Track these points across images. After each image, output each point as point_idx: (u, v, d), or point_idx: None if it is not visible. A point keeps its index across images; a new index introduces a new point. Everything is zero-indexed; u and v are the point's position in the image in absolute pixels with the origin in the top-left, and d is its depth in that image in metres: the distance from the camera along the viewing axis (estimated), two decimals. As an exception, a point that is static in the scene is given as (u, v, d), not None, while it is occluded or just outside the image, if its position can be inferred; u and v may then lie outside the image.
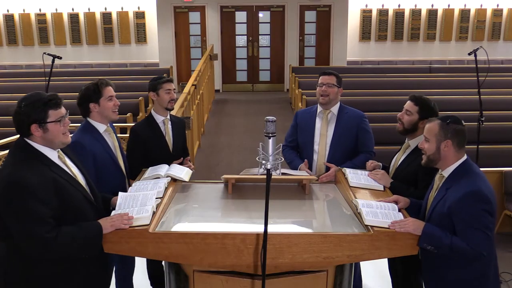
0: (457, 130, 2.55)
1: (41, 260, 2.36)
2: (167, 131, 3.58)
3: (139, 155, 3.45)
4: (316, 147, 3.58)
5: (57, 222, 2.32)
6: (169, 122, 3.60)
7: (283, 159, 2.84)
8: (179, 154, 3.56)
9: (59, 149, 2.48)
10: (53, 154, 2.43)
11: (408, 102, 3.14)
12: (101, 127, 3.12)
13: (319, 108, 3.63)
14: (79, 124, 3.18)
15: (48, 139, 2.38)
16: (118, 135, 3.79)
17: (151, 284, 3.76)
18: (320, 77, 3.59)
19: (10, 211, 2.27)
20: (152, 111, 3.60)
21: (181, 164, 3.44)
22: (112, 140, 3.18)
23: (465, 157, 2.59)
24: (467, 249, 2.42)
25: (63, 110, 2.42)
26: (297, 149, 3.70)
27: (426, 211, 2.71)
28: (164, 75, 3.76)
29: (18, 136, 2.45)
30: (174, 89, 3.59)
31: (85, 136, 3.04)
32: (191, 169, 3.45)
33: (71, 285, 2.48)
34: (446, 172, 2.60)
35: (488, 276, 2.57)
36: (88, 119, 3.12)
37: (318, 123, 3.61)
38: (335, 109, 3.60)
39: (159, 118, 3.56)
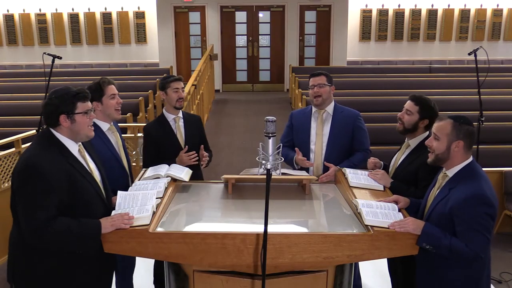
0: (469, 131, 2.53)
1: (46, 251, 2.40)
2: (178, 128, 3.60)
3: (153, 154, 3.49)
4: (312, 146, 3.59)
5: (63, 213, 2.36)
6: (180, 120, 3.63)
7: (283, 159, 2.84)
8: (194, 151, 3.55)
9: (81, 144, 2.57)
10: (74, 147, 2.52)
11: (408, 101, 3.13)
12: (105, 126, 3.17)
13: (314, 108, 3.64)
14: None
15: (75, 131, 2.49)
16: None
17: (154, 283, 3.76)
18: (311, 79, 3.61)
19: (20, 192, 2.36)
20: (164, 110, 3.65)
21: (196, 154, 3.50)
22: (115, 139, 3.22)
23: (471, 158, 2.57)
24: (466, 250, 2.42)
25: (89, 104, 2.54)
26: (293, 149, 3.69)
27: (425, 209, 2.71)
28: (164, 75, 3.78)
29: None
30: (183, 88, 3.62)
31: None
32: (205, 158, 3.55)
33: (74, 281, 2.49)
34: (451, 172, 2.58)
35: (482, 277, 2.57)
36: None
37: (314, 123, 3.62)
38: (330, 108, 3.61)
39: (169, 117, 3.60)
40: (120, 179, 3.19)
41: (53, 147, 2.44)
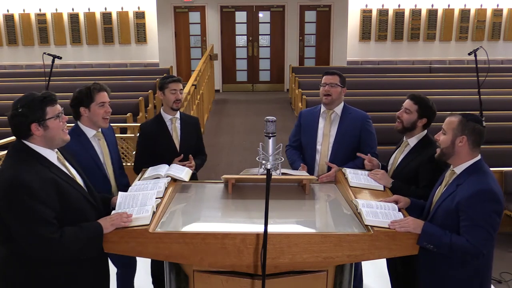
0: (475, 128, 2.55)
1: (43, 263, 2.35)
2: (174, 129, 3.58)
3: (146, 153, 3.47)
4: (318, 147, 3.57)
5: (59, 223, 2.31)
6: (177, 121, 3.60)
7: (283, 159, 2.84)
8: (189, 153, 3.53)
9: (58, 151, 2.47)
10: (52, 155, 2.42)
11: (407, 100, 3.15)
12: (90, 132, 3.08)
13: (323, 108, 3.62)
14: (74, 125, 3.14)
15: (49, 137, 2.37)
16: (118, 135, 3.79)
17: (153, 283, 3.76)
18: (324, 77, 3.57)
19: (13, 213, 2.24)
20: (161, 110, 3.63)
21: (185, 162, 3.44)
22: (100, 147, 3.13)
23: (479, 157, 2.59)
24: (467, 246, 2.42)
25: (59, 106, 2.42)
26: (301, 149, 3.69)
27: (431, 207, 2.70)
28: (164, 74, 3.77)
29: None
30: (181, 89, 3.59)
31: (70, 139, 2.93)
32: (191, 169, 3.44)
33: (75, 285, 2.46)
34: (458, 169, 2.59)
35: (486, 276, 2.57)
36: (78, 122, 3.08)
37: (321, 123, 3.60)
38: (338, 109, 3.58)
39: (167, 117, 3.58)
40: (100, 187, 2.97)
41: (31, 159, 2.31)
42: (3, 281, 2.40)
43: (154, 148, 3.48)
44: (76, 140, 2.94)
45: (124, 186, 3.19)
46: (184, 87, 4.07)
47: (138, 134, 3.60)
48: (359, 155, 3.38)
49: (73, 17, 12.98)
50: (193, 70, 10.04)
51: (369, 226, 2.48)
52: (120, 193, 2.75)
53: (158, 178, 3.09)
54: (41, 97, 2.35)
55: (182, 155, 3.51)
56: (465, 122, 2.55)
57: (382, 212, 2.59)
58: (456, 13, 13.10)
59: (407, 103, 3.14)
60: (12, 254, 2.34)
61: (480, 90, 4.76)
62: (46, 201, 2.26)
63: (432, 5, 13.08)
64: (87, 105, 3.02)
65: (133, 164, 3.65)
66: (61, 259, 2.35)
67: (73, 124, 3.12)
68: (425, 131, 3.15)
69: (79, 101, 3.03)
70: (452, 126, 2.58)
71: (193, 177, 3.60)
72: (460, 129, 2.55)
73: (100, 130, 3.13)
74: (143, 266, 3.86)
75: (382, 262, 3.60)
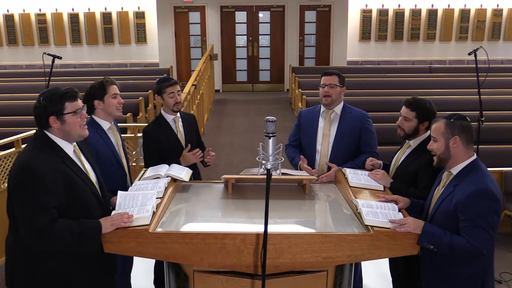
0: (463, 125, 2.55)
1: (44, 255, 2.38)
2: (178, 128, 3.61)
3: (155, 155, 3.49)
4: (318, 147, 3.57)
5: (61, 215, 2.34)
6: (180, 120, 3.64)
7: (283, 159, 2.84)
8: (193, 150, 3.58)
9: (76, 144, 2.54)
10: (69, 148, 2.49)
11: (404, 108, 3.11)
12: (105, 124, 3.19)
13: (323, 108, 3.61)
14: None
15: (66, 131, 2.45)
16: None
17: (154, 283, 3.76)
18: (322, 78, 3.57)
19: (16, 195, 2.33)
20: (162, 111, 3.64)
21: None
22: (115, 138, 3.24)
23: (474, 156, 2.59)
24: (468, 246, 2.42)
25: (79, 102, 2.50)
26: (300, 148, 3.69)
27: (429, 209, 2.70)
28: (164, 75, 3.78)
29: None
30: (179, 90, 3.60)
31: (89, 131, 3.06)
32: (212, 157, 3.62)
33: (74, 284, 2.48)
34: (455, 169, 2.59)
35: (488, 274, 2.57)
36: (93, 116, 3.19)
37: (321, 122, 3.59)
38: (338, 109, 3.58)
39: (169, 117, 3.61)
40: (119, 179, 3.21)
41: (48, 148, 2.41)
42: (10, 268, 2.48)
43: (161, 150, 3.50)
44: (94, 131, 3.10)
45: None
46: (183, 87, 4.07)
47: (143, 138, 3.60)
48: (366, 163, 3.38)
49: (73, 17, 12.98)
50: (193, 70, 10.04)
51: (369, 226, 2.48)
52: (120, 192, 2.75)
53: (158, 178, 3.10)
54: (62, 92, 2.45)
55: (189, 145, 3.56)
56: (451, 123, 2.56)
57: (382, 212, 2.59)
58: (456, 13, 13.11)
59: (404, 110, 3.10)
60: (18, 243, 2.40)
61: (480, 90, 4.76)
62: (50, 189, 2.31)
63: (432, 5, 13.08)
64: (101, 97, 3.15)
65: (134, 164, 3.67)
66: (51, 248, 2.36)
67: None
68: (428, 132, 3.13)
69: (93, 95, 3.15)
70: (440, 131, 2.58)
71: (196, 174, 3.67)
72: (449, 131, 2.55)
73: (113, 123, 3.25)
74: (143, 266, 3.86)
75: (382, 262, 3.60)
